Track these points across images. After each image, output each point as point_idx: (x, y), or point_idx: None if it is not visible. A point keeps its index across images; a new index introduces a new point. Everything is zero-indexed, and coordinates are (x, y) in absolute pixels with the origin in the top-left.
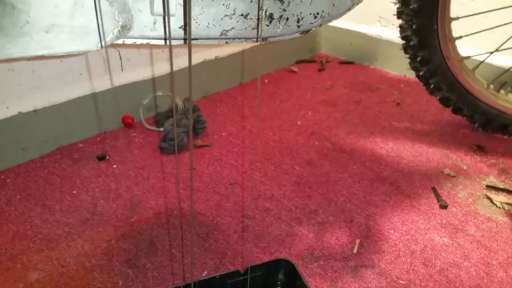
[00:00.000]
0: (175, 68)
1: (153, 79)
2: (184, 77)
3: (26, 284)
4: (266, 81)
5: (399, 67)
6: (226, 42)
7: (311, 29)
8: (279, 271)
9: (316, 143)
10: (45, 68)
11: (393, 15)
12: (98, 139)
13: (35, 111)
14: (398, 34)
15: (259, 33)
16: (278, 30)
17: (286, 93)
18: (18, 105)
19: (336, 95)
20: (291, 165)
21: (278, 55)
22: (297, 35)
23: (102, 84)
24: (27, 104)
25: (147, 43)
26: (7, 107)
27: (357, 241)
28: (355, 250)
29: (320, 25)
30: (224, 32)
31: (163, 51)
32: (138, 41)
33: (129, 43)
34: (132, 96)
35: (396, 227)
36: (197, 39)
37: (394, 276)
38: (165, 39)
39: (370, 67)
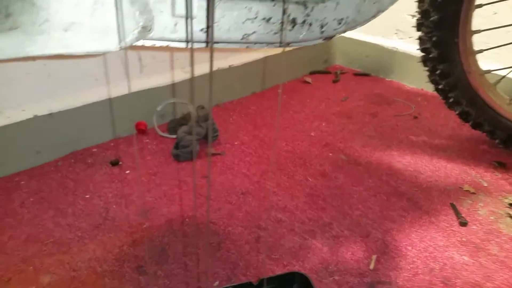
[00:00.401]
0: (189, 76)
1: (173, 85)
2: (198, 84)
3: (38, 287)
4: (279, 91)
5: (416, 80)
6: (247, 46)
7: (334, 35)
8: (293, 284)
9: (330, 154)
10: (61, 72)
11: (412, 27)
12: (112, 144)
13: (50, 114)
14: (415, 47)
15: (282, 38)
16: (300, 36)
17: (299, 104)
18: (33, 108)
19: (351, 106)
20: (304, 176)
21: (292, 66)
22: (320, 41)
23: (116, 90)
24: (43, 108)
25: (167, 46)
26: (23, 110)
27: (374, 257)
28: (371, 266)
29: (344, 31)
30: (246, 36)
31: (177, 59)
32: (158, 43)
33: (149, 45)
34: (146, 103)
35: (414, 244)
36: (218, 42)
37: None
38: (186, 42)
39: (386, 79)
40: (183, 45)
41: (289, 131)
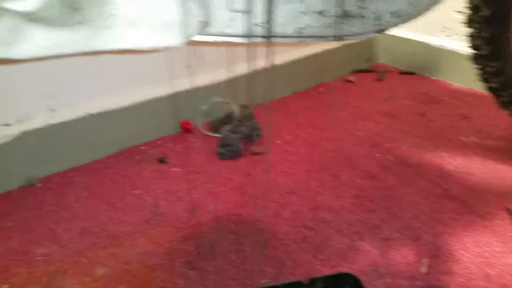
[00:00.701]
0: (232, 75)
1: (229, 82)
2: (242, 83)
3: (92, 279)
4: (322, 90)
5: (464, 78)
6: (301, 41)
7: (387, 29)
8: (343, 286)
9: (377, 155)
10: (114, 72)
11: (459, 24)
12: (158, 142)
13: (102, 113)
14: (463, 44)
15: (334, 32)
16: (354, 29)
17: (342, 103)
18: (87, 106)
19: (396, 106)
20: (350, 177)
21: (334, 65)
22: (373, 34)
23: (162, 89)
24: (96, 106)
25: (224, 41)
26: (79, 108)
27: (425, 260)
28: (423, 270)
29: (397, 24)
30: (299, 30)
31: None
32: (216, 38)
33: (207, 40)
34: (191, 102)
35: (467, 248)
36: (273, 36)
37: None
38: (243, 36)
39: (432, 78)
40: (240, 40)
41: (333, 131)
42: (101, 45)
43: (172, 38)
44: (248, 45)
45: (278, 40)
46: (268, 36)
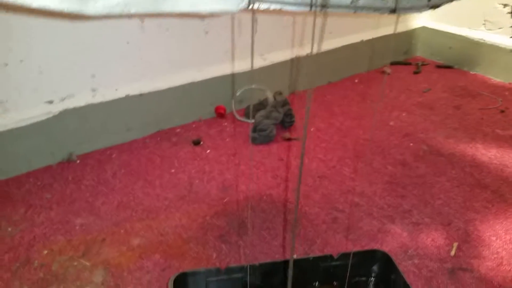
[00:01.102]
0: (265, 63)
1: (265, 69)
2: (274, 72)
3: (128, 248)
4: (356, 81)
5: (504, 73)
6: (355, 11)
7: (441, 4)
8: (374, 262)
9: (411, 144)
10: (151, 56)
11: (503, 16)
12: (194, 125)
13: (140, 95)
14: (505, 38)
15: (389, 4)
16: (407, 3)
17: (378, 94)
18: (126, 88)
19: (433, 98)
20: (383, 164)
21: (371, 56)
22: (427, 9)
23: (199, 74)
24: (134, 88)
25: (280, 9)
26: (116, 89)
27: (455, 244)
28: (452, 253)
29: (451, 0)
30: (355, 0)
31: (256, 47)
32: (273, 6)
33: (264, 7)
34: (226, 88)
35: (498, 235)
36: (328, 7)
37: (495, 283)
38: (299, 5)
39: (471, 72)
40: (294, 8)
41: (367, 120)
42: (169, 7)
43: (232, 3)
44: (301, 14)
45: (334, 10)
46: (324, 5)
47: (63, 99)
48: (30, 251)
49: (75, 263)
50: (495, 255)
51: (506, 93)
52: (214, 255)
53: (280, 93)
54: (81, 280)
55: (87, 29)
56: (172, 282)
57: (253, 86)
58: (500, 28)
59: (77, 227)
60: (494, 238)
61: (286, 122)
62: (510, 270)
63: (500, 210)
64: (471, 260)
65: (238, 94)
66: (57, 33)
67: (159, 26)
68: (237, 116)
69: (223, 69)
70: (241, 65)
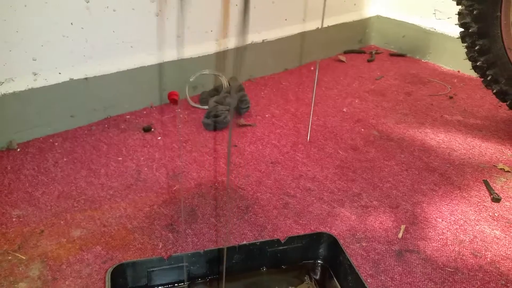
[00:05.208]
0: (220, 49)
1: (219, 54)
2: (229, 58)
3: (68, 240)
4: (312, 68)
5: (453, 61)
6: None
7: None
8: (320, 245)
9: (362, 130)
10: (98, 38)
11: (451, 5)
12: (144, 112)
13: (85, 79)
14: (454, 28)
15: None
16: None
17: (332, 81)
18: (70, 71)
19: (385, 85)
20: (335, 149)
21: (326, 44)
22: None
23: (150, 58)
24: (79, 72)
25: None
26: (60, 73)
27: (403, 227)
28: (400, 235)
29: None
30: None
31: (211, 31)
32: None
33: None
34: (179, 73)
35: (444, 216)
36: None
37: (440, 263)
38: None
39: (422, 60)
40: None
41: (321, 107)
42: None
43: None
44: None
45: None
46: None
47: (1, 83)
48: None
49: (10, 257)
50: (441, 236)
51: (455, 80)
52: (160, 245)
53: (235, 79)
54: (15, 275)
55: (27, 9)
56: (110, 274)
57: (207, 71)
58: (449, 18)
59: (14, 219)
60: (440, 220)
61: (241, 108)
62: (453, 250)
63: (446, 192)
64: (418, 242)
65: (192, 79)
66: None
67: (105, 6)
68: (191, 102)
69: (176, 53)
70: (196, 50)
